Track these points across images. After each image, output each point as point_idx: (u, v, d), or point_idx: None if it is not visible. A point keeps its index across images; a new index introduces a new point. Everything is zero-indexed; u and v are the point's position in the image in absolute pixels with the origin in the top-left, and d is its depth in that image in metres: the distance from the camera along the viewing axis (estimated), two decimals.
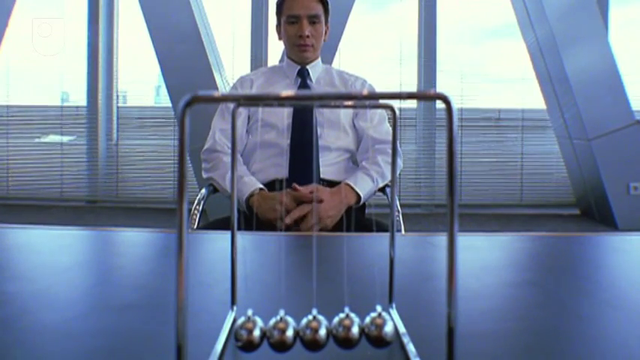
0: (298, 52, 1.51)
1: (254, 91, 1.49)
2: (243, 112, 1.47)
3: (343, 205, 1.32)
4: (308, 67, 1.54)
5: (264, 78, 1.57)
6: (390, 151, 1.44)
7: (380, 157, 1.43)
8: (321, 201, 1.27)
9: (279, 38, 1.58)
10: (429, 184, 4.40)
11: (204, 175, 1.48)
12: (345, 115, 1.49)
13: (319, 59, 1.58)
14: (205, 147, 1.49)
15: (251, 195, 1.31)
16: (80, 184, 4.49)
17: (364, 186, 1.36)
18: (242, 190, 1.32)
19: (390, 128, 0.36)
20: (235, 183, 0.41)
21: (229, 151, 1.44)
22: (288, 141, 1.42)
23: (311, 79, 1.54)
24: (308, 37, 1.48)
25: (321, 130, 1.45)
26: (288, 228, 1.25)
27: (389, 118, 1.54)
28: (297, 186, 1.28)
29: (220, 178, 1.41)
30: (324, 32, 1.53)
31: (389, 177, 1.42)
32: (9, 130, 4.51)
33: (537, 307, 0.49)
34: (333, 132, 1.46)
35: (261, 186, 1.34)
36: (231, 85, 1.67)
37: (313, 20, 1.48)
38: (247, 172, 1.40)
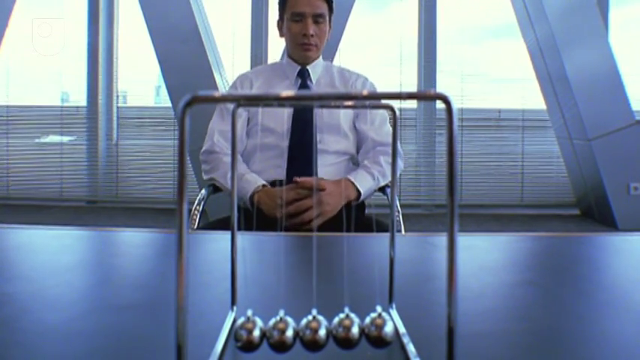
0: (301, 51, 1.48)
1: (253, 92, 1.48)
2: (242, 113, 1.46)
3: (343, 197, 1.31)
4: (308, 67, 1.52)
5: (263, 78, 1.55)
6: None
7: (382, 158, 1.43)
8: (323, 189, 1.27)
9: (281, 35, 1.54)
10: (429, 184, 4.40)
11: (205, 177, 1.47)
12: (345, 117, 1.48)
13: (320, 58, 1.56)
14: (204, 148, 1.48)
15: (254, 192, 1.31)
16: (80, 184, 4.49)
17: (364, 182, 1.36)
18: (245, 187, 1.32)
19: (391, 129, 0.36)
20: (236, 182, 0.41)
21: (228, 152, 1.44)
22: (287, 142, 1.42)
23: (311, 80, 1.53)
24: (312, 36, 1.45)
25: (321, 136, 1.44)
26: (290, 222, 1.25)
27: (389, 119, 1.53)
28: (297, 179, 1.27)
29: (222, 177, 1.40)
30: (327, 32, 1.51)
31: (390, 177, 1.42)
32: (9, 130, 4.51)
33: (537, 307, 0.49)
34: (333, 137, 1.45)
35: (264, 182, 1.34)
36: (231, 84, 1.65)
37: (318, 19, 1.45)
38: (248, 170, 1.39)
